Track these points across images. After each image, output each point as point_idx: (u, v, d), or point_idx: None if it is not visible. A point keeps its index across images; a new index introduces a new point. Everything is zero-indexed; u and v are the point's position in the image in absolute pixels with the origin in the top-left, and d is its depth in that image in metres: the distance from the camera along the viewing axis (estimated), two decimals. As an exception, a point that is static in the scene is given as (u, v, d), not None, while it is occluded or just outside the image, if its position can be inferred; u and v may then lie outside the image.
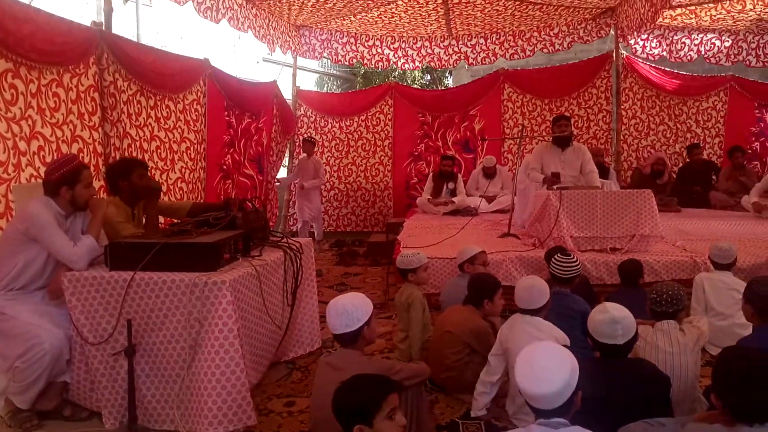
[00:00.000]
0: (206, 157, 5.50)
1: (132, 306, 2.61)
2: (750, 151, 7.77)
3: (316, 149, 7.70)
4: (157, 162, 4.72)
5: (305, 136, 7.74)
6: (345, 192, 8.24)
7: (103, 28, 4.09)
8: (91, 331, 2.66)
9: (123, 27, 7.81)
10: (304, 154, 7.39)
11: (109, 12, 4.20)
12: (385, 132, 8.24)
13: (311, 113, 8.23)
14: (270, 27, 6.46)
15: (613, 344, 2.28)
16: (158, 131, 4.73)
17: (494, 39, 7.92)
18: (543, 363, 1.69)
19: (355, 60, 8.10)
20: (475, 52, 8.04)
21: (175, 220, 3.59)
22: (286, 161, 8.18)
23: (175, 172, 5.01)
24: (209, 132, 5.49)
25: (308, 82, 16.58)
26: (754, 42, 7.48)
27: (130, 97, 4.36)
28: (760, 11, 6.49)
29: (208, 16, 5.09)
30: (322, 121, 8.23)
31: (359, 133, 8.24)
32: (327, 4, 6.32)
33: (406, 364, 2.83)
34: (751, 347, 2.24)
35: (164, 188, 4.67)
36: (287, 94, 7.93)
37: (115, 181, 3.33)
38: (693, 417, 2.12)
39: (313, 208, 7.42)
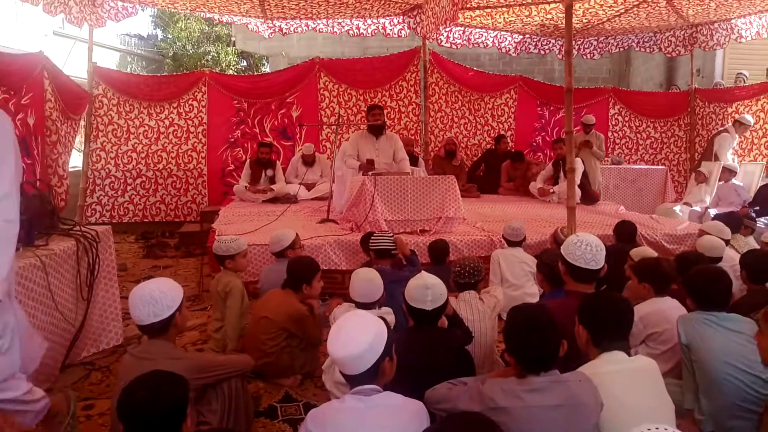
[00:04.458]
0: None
1: None
2: (534, 144, 8.92)
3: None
4: None
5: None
6: (154, 180, 7.60)
7: None
8: None
9: None
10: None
11: None
12: (199, 118, 7.78)
13: (113, 95, 7.43)
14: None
15: (421, 309, 2.40)
16: None
17: (309, 24, 7.89)
18: (348, 327, 1.78)
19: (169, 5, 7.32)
20: (288, 24, 7.86)
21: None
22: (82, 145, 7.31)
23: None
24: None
25: (109, 62, 15.09)
26: (535, 41, 8.46)
27: None
28: (543, 18, 7.47)
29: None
30: (127, 105, 7.48)
31: (171, 119, 7.68)
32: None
33: (227, 357, 2.72)
34: (531, 304, 2.55)
35: None
36: (82, 71, 7.06)
37: None
38: (491, 374, 2.34)
39: None
